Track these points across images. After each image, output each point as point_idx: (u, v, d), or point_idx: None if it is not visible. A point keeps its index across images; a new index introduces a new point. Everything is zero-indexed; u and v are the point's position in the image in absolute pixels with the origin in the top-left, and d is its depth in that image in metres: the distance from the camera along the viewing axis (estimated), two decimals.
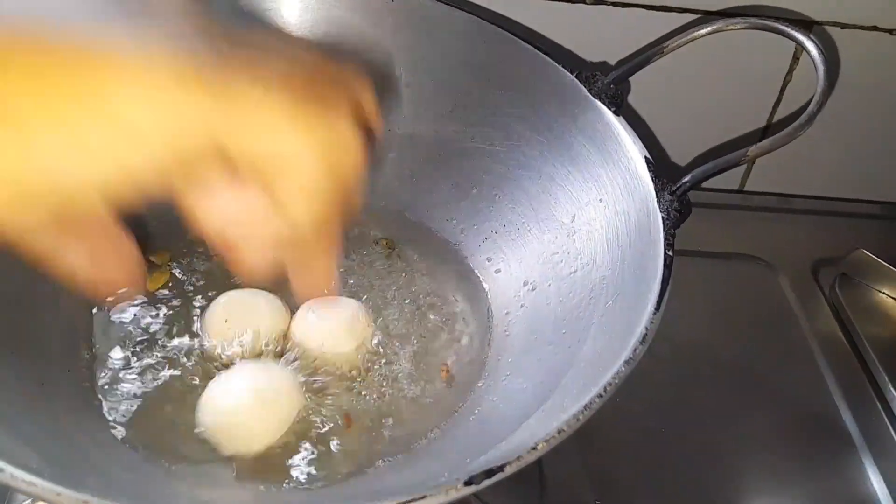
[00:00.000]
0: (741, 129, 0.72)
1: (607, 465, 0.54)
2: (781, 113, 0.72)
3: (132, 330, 0.49)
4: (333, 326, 0.49)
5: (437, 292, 0.55)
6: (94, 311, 0.49)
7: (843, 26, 0.67)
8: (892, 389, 0.60)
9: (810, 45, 0.46)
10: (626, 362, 0.37)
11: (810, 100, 0.46)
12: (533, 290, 0.53)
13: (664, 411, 0.59)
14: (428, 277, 0.56)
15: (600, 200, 0.50)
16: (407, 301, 0.54)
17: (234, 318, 0.49)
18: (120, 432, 0.44)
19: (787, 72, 0.70)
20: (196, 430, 0.44)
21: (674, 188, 0.45)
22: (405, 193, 0.60)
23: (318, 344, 0.48)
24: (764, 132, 0.73)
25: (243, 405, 0.44)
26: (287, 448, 0.44)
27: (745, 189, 0.78)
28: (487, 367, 0.50)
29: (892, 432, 0.58)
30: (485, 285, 0.56)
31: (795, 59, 0.69)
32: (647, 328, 0.38)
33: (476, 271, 0.56)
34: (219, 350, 0.48)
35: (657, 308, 0.39)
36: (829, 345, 0.64)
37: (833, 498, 0.56)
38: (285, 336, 0.49)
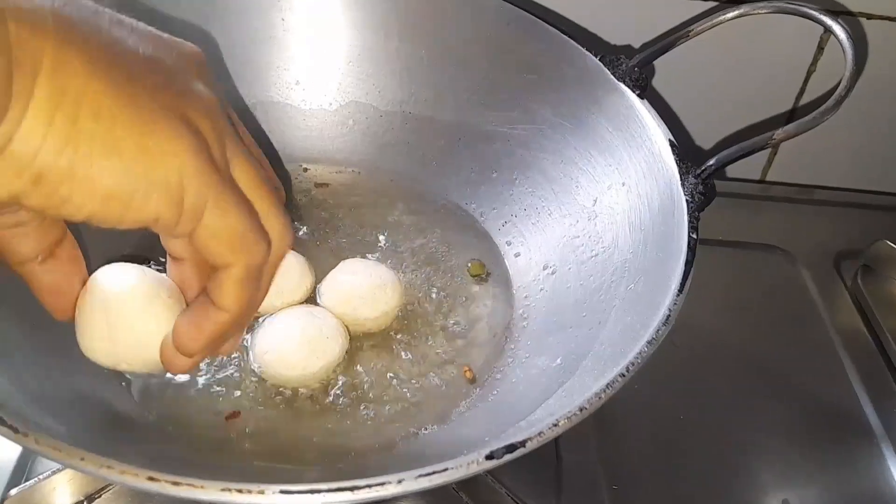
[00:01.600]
0: (765, 114, 0.71)
1: (624, 452, 0.54)
2: (804, 102, 0.71)
3: None
4: (364, 291, 0.50)
5: (459, 273, 0.55)
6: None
7: (870, 17, 0.67)
8: None
9: (838, 29, 0.45)
10: (649, 342, 0.37)
11: (836, 85, 0.45)
12: (553, 273, 0.53)
13: (682, 400, 0.58)
14: (450, 257, 0.56)
15: (623, 184, 0.50)
16: (427, 281, 0.54)
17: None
18: (139, 401, 0.44)
19: (812, 62, 0.69)
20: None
21: (698, 171, 0.45)
22: (425, 177, 0.60)
23: (350, 307, 0.49)
24: (788, 119, 0.72)
25: (293, 343, 0.46)
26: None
27: (767, 179, 0.78)
28: (507, 348, 0.50)
29: None
30: (506, 268, 0.55)
31: (820, 48, 0.68)
32: (670, 309, 0.38)
33: (496, 254, 0.56)
34: None
35: (681, 289, 0.39)
36: (850, 337, 0.63)
37: (853, 491, 0.55)
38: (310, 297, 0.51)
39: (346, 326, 0.49)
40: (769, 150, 0.76)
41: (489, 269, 0.55)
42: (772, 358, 0.62)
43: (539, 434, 0.33)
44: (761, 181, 0.78)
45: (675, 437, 0.56)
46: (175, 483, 0.30)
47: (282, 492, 0.30)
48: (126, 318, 0.34)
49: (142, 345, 0.34)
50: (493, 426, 0.42)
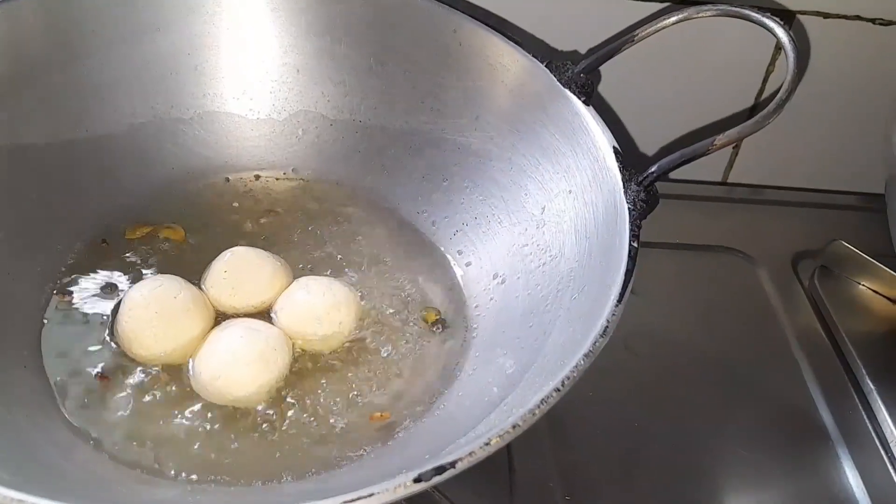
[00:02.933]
0: (717, 118, 0.71)
1: (580, 462, 0.53)
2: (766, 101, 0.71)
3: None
4: (318, 307, 0.49)
5: (410, 283, 0.54)
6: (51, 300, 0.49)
7: (826, 16, 0.66)
8: (869, 383, 0.59)
9: (780, 32, 0.45)
10: (586, 355, 0.36)
11: (779, 88, 0.45)
12: (502, 283, 0.52)
13: (640, 406, 0.58)
14: (400, 269, 0.55)
15: (569, 192, 0.49)
16: (378, 296, 0.53)
17: (232, 272, 0.50)
18: (78, 429, 0.43)
19: (770, 62, 0.69)
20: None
21: (640, 178, 0.44)
22: (377, 185, 0.59)
23: (301, 322, 0.49)
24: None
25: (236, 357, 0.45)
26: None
27: (729, 181, 0.78)
28: (453, 360, 0.49)
29: (870, 427, 0.58)
30: (457, 279, 0.55)
31: (778, 49, 0.68)
32: (608, 321, 0.37)
33: (448, 264, 0.56)
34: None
35: (619, 300, 0.38)
36: (807, 338, 0.63)
37: (810, 493, 0.55)
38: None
39: (291, 341, 0.48)
40: (731, 152, 0.76)
41: (444, 314, 0.53)
42: (730, 361, 0.62)
43: (469, 454, 0.32)
44: (723, 183, 0.78)
45: (632, 445, 0.55)
46: None
47: None
48: None
49: None
50: (437, 444, 0.41)
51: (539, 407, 0.34)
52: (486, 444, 0.32)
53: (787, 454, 0.57)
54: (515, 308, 0.49)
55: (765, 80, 0.70)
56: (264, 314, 0.50)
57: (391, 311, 0.52)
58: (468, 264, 0.55)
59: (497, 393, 0.43)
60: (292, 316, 0.50)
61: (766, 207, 0.75)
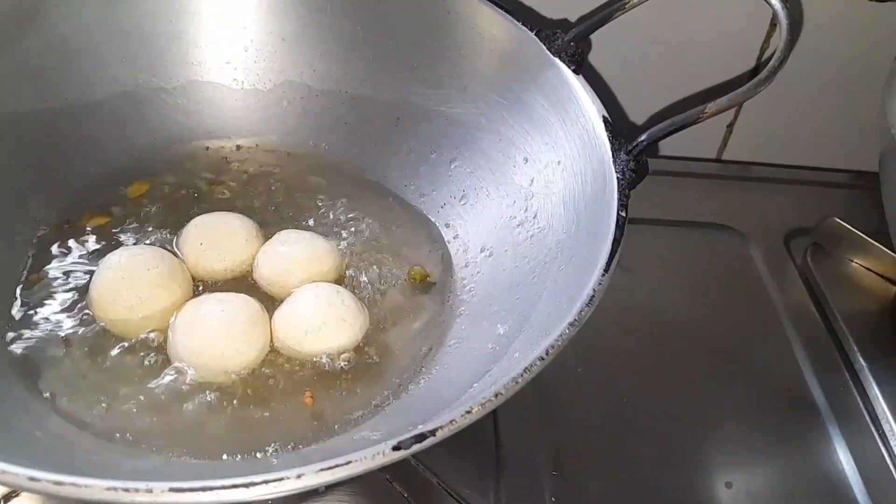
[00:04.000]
0: (711, 87, 0.70)
1: (567, 437, 0.53)
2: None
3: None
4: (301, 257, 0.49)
5: (393, 257, 0.53)
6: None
7: None
8: (861, 360, 0.58)
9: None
10: (571, 324, 0.35)
11: (772, 55, 0.44)
12: (490, 256, 0.51)
13: (630, 382, 0.57)
14: (389, 243, 0.54)
15: (558, 162, 0.48)
16: (365, 268, 0.52)
17: (209, 241, 0.49)
18: (53, 400, 0.42)
19: (765, 39, 0.68)
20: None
21: (629, 147, 0.43)
22: (364, 157, 0.58)
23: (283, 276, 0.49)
24: None
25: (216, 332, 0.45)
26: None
27: (723, 158, 0.77)
28: (440, 332, 0.48)
29: (861, 404, 0.57)
30: (444, 252, 0.54)
31: (773, 25, 0.67)
32: (594, 290, 0.37)
33: (435, 238, 0.55)
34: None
35: (606, 269, 0.37)
36: (799, 316, 0.62)
37: (800, 469, 0.54)
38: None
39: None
40: (725, 130, 0.75)
41: (430, 273, 0.53)
42: (722, 338, 0.61)
43: (451, 422, 0.31)
44: (717, 160, 0.77)
45: (620, 420, 0.55)
46: (57, 483, 0.28)
47: (171, 489, 0.28)
48: None
49: None
50: (421, 415, 0.40)
51: (522, 375, 0.33)
52: (468, 412, 0.32)
53: (778, 430, 0.56)
54: (503, 280, 0.49)
55: (760, 55, 0.69)
56: (247, 276, 0.50)
57: (373, 279, 0.52)
58: (456, 237, 0.54)
59: (480, 364, 0.42)
60: (273, 267, 0.49)
61: (759, 184, 0.74)
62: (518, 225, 0.50)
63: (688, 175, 0.74)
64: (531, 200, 0.50)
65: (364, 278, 0.52)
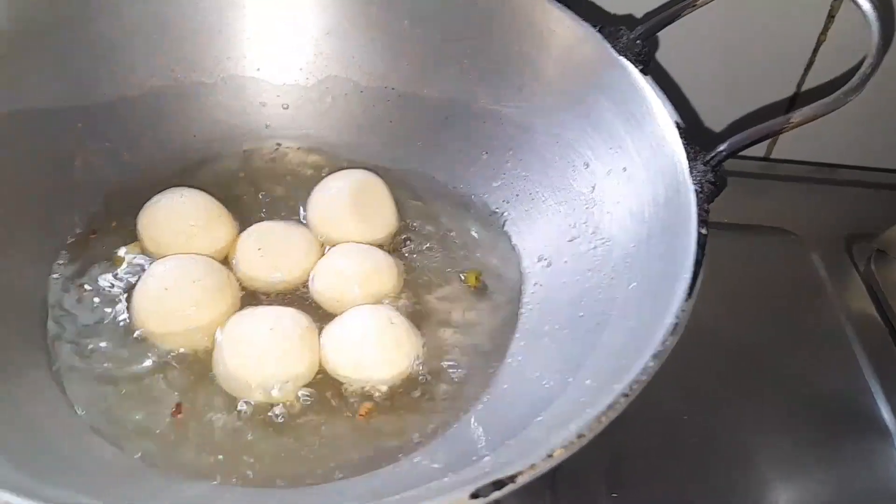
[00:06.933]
0: (774, 90, 0.66)
1: (623, 455, 0.51)
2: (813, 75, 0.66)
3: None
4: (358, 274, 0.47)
5: (451, 259, 0.51)
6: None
7: None
8: None
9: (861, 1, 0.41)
10: (655, 356, 0.33)
11: (862, 62, 0.41)
12: (548, 265, 0.49)
13: (685, 396, 0.55)
14: (437, 246, 0.52)
15: (624, 169, 0.46)
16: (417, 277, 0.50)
17: (267, 249, 0.48)
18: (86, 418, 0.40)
19: (822, 30, 0.64)
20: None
21: (708, 157, 0.40)
22: (409, 158, 0.56)
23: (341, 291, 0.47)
24: (794, 95, 0.67)
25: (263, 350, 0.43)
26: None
27: (772, 157, 0.73)
28: (498, 352, 0.46)
29: None
30: (498, 259, 0.51)
31: (830, 17, 0.63)
32: (677, 317, 0.34)
33: (487, 245, 0.52)
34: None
35: (689, 294, 0.35)
36: (862, 324, 0.60)
37: (861, 486, 0.52)
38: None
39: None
40: None
41: (484, 279, 0.50)
42: (779, 348, 0.59)
43: (531, 466, 0.29)
44: (766, 159, 0.74)
45: (677, 435, 0.53)
46: None
47: None
48: None
49: None
50: (484, 442, 0.38)
51: (605, 414, 0.31)
52: (549, 455, 0.29)
53: (838, 446, 0.54)
54: (563, 295, 0.46)
55: (815, 52, 0.65)
56: (298, 287, 0.48)
57: (424, 285, 0.50)
58: (512, 246, 0.52)
59: (544, 389, 0.40)
60: (331, 281, 0.48)
61: (816, 186, 0.71)
62: (578, 234, 0.48)
63: (734, 174, 0.70)
64: (593, 209, 0.47)
65: (415, 287, 0.49)
